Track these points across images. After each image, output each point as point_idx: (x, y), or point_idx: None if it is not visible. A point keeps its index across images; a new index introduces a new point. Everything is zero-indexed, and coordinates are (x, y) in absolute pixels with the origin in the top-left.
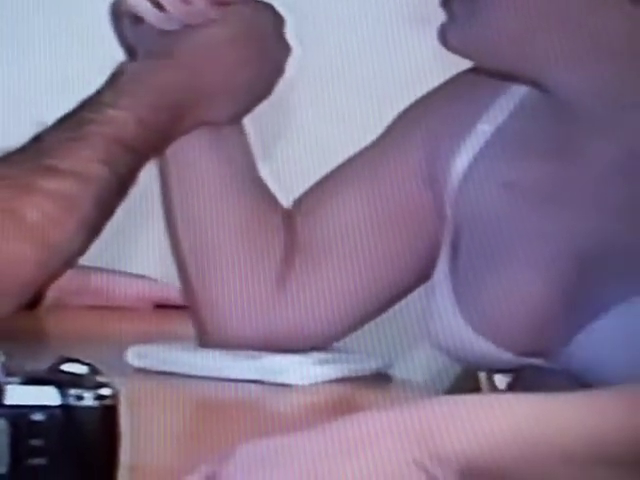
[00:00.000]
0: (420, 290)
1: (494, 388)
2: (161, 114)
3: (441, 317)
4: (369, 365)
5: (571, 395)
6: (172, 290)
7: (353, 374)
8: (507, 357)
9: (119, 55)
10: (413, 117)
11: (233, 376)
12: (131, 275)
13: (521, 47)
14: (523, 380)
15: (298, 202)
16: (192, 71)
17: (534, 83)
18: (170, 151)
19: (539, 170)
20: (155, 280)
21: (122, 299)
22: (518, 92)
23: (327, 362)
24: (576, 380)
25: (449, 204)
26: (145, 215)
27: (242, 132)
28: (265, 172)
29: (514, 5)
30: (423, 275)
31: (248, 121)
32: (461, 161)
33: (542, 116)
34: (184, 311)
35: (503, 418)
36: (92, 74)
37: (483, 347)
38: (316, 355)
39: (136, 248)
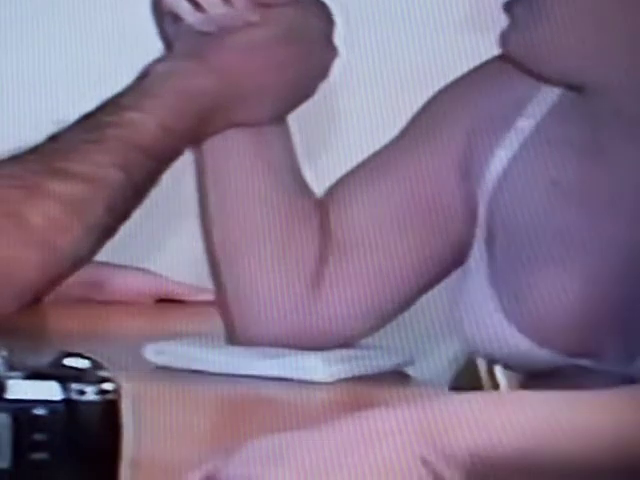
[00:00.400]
0: (442, 286)
1: (494, 381)
2: (185, 118)
3: (478, 315)
4: (390, 361)
5: (586, 393)
6: (174, 284)
7: (375, 370)
8: (551, 357)
9: (145, 54)
10: (447, 107)
11: (255, 373)
12: (132, 269)
13: (578, 54)
14: (562, 380)
15: (331, 192)
16: (224, 75)
17: (578, 87)
18: (206, 146)
19: (582, 170)
20: (157, 274)
21: (123, 293)
22: (554, 88)
23: (350, 359)
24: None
25: (485, 199)
26: (178, 214)
27: (284, 130)
28: (309, 176)
29: (574, 12)
30: (453, 266)
31: (292, 124)
32: (500, 158)
33: (580, 115)
34: (185, 306)
35: (514, 415)
36: (116, 73)
37: (525, 346)
38: (339, 352)
39: (168, 247)
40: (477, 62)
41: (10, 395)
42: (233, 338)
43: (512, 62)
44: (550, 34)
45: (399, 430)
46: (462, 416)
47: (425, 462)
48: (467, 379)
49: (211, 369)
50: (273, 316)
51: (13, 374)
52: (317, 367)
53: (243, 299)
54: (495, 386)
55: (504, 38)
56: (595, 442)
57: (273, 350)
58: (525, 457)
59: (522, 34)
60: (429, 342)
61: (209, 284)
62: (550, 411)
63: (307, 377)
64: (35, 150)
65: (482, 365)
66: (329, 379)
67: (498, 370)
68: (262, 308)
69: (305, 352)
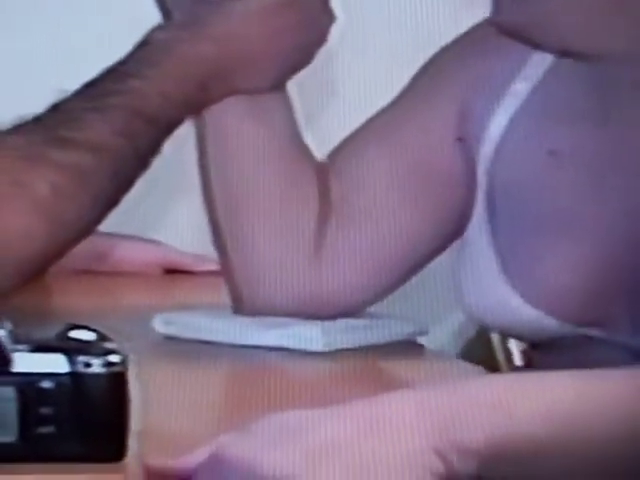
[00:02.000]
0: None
1: (507, 352)
2: (186, 86)
3: (481, 284)
4: (402, 331)
5: (610, 373)
6: (179, 254)
7: (383, 340)
8: (557, 326)
9: (145, 21)
10: (444, 69)
11: (260, 343)
12: (139, 239)
13: (572, 22)
14: (575, 350)
15: (331, 156)
16: (223, 41)
17: (576, 54)
18: (208, 114)
19: (582, 136)
20: (165, 244)
21: (129, 264)
22: None
23: (356, 329)
24: None
25: (484, 165)
26: (182, 184)
27: (284, 97)
28: (309, 138)
29: None
30: (454, 235)
31: (291, 89)
32: (497, 121)
33: (578, 80)
34: (193, 276)
35: (534, 399)
36: (117, 41)
37: (531, 316)
38: (344, 322)
39: (171, 217)
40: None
41: (16, 368)
42: (239, 307)
43: (505, 31)
44: (541, 4)
45: (413, 418)
46: (480, 401)
47: (438, 453)
48: (479, 348)
49: (218, 339)
50: (276, 284)
51: (19, 347)
52: (314, 337)
53: (246, 267)
54: (508, 354)
55: (496, 8)
56: (616, 426)
57: (278, 320)
58: (543, 442)
59: (514, 4)
60: (439, 311)
61: (214, 254)
62: (571, 394)
63: (303, 347)
64: (38, 120)
65: (495, 335)
66: (326, 349)
67: (512, 341)
68: (265, 276)
69: (307, 322)
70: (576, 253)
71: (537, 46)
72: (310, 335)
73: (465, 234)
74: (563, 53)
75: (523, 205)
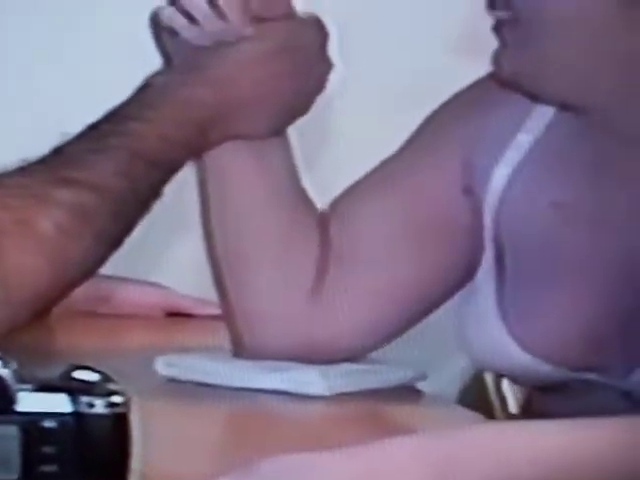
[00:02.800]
0: (456, 301)
1: (502, 397)
2: (185, 129)
3: (483, 331)
4: (401, 376)
5: (601, 422)
6: (180, 298)
7: (383, 385)
8: (555, 372)
9: (147, 66)
10: (447, 122)
11: (260, 387)
12: (142, 282)
13: (570, 75)
14: (572, 393)
15: (333, 205)
16: (221, 86)
17: (574, 107)
18: (208, 158)
19: (583, 188)
20: (167, 288)
21: (131, 306)
22: None
23: (355, 373)
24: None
25: (490, 214)
26: (183, 226)
27: (284, 143)
28: (307, 183)
29: (566, 33)
30: (458, 284)
31: (291, 133)
32: (500, 173)
33: (578, 133)
34: (193, 320)
35: (530, 447)
36: (118, 86)
37: (527, 362)
38: (345, 366)
39: (173, 259)
40: (470, 76)
41: (20, 407)
42: (239, 350)
43: (505, 83)
44: (541, 56)
45: (409, 465)
46: (475, 449)
47: None
48: (474, 393)
49: (219, 382)
50: (276, 328)
51: (23, 386)
52: (314, 381)
53: (246, 311)
54: (502, 400)
55: (496, 60)
56: (610, 474)
57: (277, 363)
58: None
59: (512, 56)
60: (439, 357)
61: (214, 296)
62: (565, 442)
63: (304, 391)
64: (41, 162)
65: (489, 379)
66: (326, 393)
67: (505, 384)
68: (265, 320)
69: (307, 366)
70: (574, 302)
71: (538, 99)
72: (310, 379)
73: (473, 281)
74: (563, 106)
75: (525, 255)
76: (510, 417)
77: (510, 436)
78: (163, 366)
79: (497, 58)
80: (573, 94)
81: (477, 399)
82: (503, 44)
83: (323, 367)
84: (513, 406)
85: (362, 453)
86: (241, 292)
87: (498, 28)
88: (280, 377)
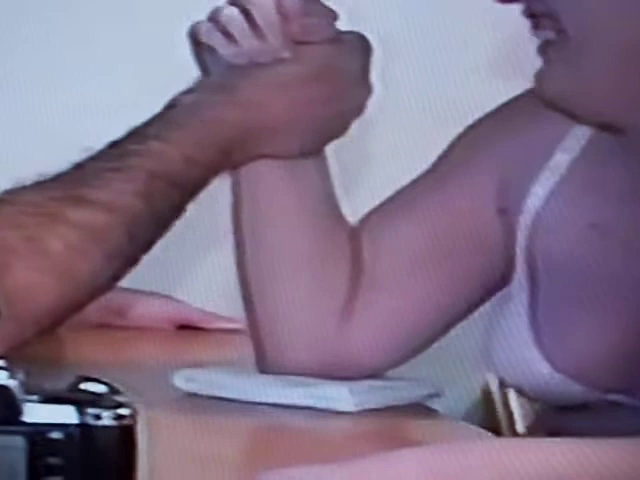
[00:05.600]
0: (476, 318)
1: (508, 411)
2: (208, 151)
3: (514, 349)
4: (420, 392)
5: (614, 441)
6: (193, 311)
7: (403, 401)
8: (584, 392)
9: (173, 84)
10: (481, 140)
11: (284, 402)
12: (153, 295)
13: (613, 96)
14: (590, 413)
15: (364, 220)
16: (250, 108)
17: (614, 129)
18: (243, 175)
19: (620, 210)
20: (177, 300)
21: (146, 319)
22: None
23: (376, 390)
24: None
25: (523, 234)
26: (211, 243)
27: (321, 163)
28: (343, 208)
29: (612, 54)
30: (479, 303)
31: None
32: (536, 192)
33: (615, 153)
34: (207, 333)
35: (537, 464)
36: (145, 102)
37: (559, 382)
38: (366, 383)
39: (201, 274)
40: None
41: (26, 418)
42: (263, 365)
43: (547, 103)
44: (586, 77)
45: (418, 477)
46: (479, 463)
47: None
48: (482, 409)
49: (239, 397)
50: (303, 345)
51: (29, 397)
52: (342, 397)
53: (274, 327)
54: (510, 416)
55: (539, 79)
56: None
57: (300, 378)
58: None
59: (557, 76)
60: (447, 374)
61: (239, 313)
62: (570, 459)
63: (332, 407)
64: (58, 178)
65: (497, 396)
66: (354, 409)
67: (512, 400)
68: (293, 335)
69: (332, 381)
70: (607, 323)
71: (577, 118)
72: (339, 395)
73: (505, 297)
74: (602, 127)
75: (559, 275)
76: (517, 436)
77: (517, 451)
78: (182, 381)
79: (540, 77)
80: (614, 115)
81: (484, 418)
82: (547, 63)
83: (351, 383)
84: (520, 425)
85: (368, 465)
86: (270, 307)
87: (544, 48)
88: (307, 392)
